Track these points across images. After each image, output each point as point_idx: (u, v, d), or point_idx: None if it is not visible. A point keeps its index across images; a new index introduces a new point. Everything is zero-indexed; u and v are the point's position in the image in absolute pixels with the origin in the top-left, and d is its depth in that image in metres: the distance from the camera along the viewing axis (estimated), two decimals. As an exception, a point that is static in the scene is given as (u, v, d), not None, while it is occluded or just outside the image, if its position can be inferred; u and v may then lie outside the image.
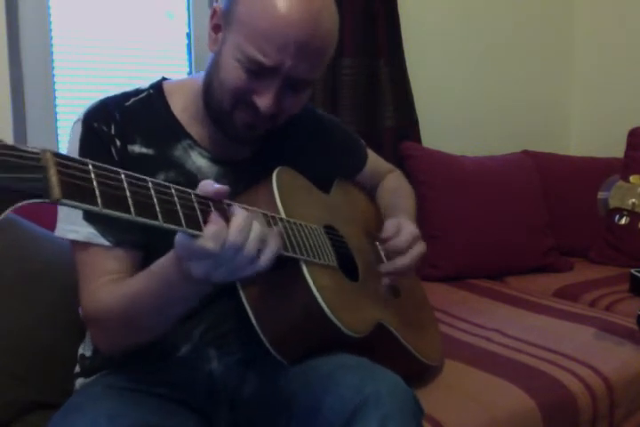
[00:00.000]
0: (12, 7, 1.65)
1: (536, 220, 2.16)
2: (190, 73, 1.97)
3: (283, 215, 0.92)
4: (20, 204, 0.53)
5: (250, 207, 0.80)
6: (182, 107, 1.03)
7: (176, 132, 1.02)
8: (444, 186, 2.06)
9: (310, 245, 0.93)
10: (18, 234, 1.21)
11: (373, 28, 2.05)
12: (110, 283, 0.91)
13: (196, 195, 0.72)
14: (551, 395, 1.24)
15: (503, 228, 2.08)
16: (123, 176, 0.63)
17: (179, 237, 0.73)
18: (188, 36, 1.95)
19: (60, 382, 1.11)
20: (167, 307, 0.85)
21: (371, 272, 1.10)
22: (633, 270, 1.87)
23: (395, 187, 1.34)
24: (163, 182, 0.69)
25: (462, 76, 2.42)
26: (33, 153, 0.55)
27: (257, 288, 0.93)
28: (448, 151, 2.16)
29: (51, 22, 1.72)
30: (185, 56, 1.97)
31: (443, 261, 2.01)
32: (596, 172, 2.08)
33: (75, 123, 0.98)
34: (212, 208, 0.72)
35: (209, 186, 0.73)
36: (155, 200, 0.66)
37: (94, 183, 0.59)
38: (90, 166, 0.60)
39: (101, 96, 1.02)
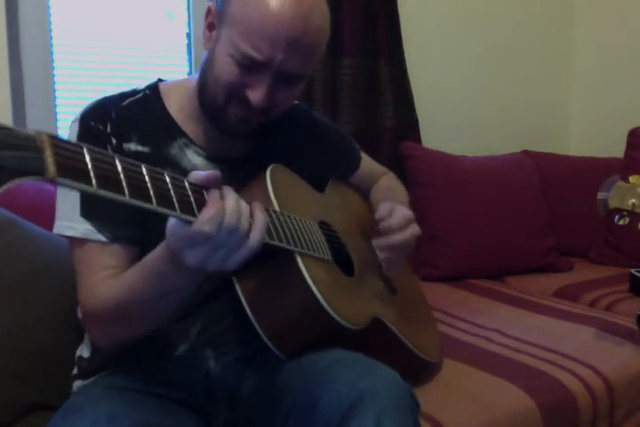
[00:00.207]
0: (12, 7, 1.65)
1: (536, 220, 2.16)
2: (190, 73, 1.97)
3: (276, 208, 0.93)
4: (16, 180, 0.54)
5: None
6: (178, 106, 1.04)
7: (172, 130, 1.03)
8: (443, 186, 2.06)
9: (304, 238, 0.94)
10: (18, 234, 1.21)
11: (373, 28, 2.05)
12: (107, 278, 0.92)
13: (190, 182, 0.73)
14: (551, 395, 1.24)
15: (503, 228, 2.08)
16: (117, 160, 0.65)
17: (171, 227, 0.74)
18: (188, 36, 1.95)
19: (59, 382, 1.10)
20: (161, 298, 0.85)
21: (366, 269, 1.11)
22: (633, 270, 1.87)
23: (388, 186, 1.35)
24: (156, 169, 0.70)
25: (462, 76, 2.42)
26: (29, 135, 0.56)
27: (253, 282, 0.93)
28: (448, 151, 2.16)
29: (51, 22, 1.72)
30: (185, 56, 1.97)
31: (443, 261, 2.01)
32: (596, 172, 2.08)
33: (72, 122, 1.00)
34: (206, 192, 0.73)
35: (199, 174, 0.74)
36: (148, 184, 0.67)
37: (89, 165, 0.61)
38: (84, 149, 0.61)
39: (99, 96, 1.03)
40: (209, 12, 0.99)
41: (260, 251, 0.86)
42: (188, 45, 1.96)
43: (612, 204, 1.23)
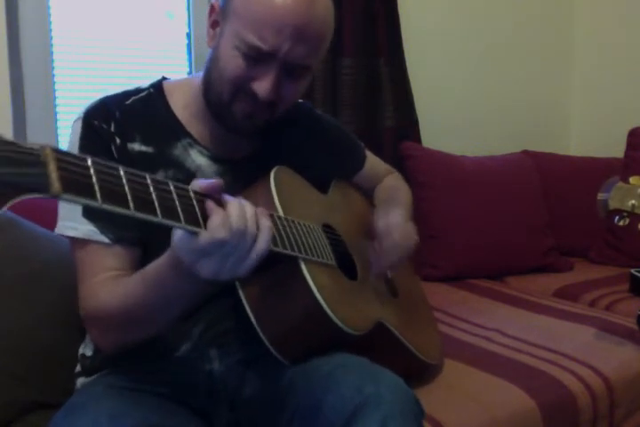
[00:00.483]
0: (12, 7, 1.65)
1: (536, 220, 2.16)
2: (190, 73, 1.97)
3: (280, 213, 0.93)
4: (20, 198, 0.54)
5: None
6: (182, 105, 1.04)
7: (176, 130, 1.03)
8: (444, 186, 2.06)
9: (308, 244, 0.93)
10: (18, 234, 1.21)
11: (373, 28, 2.05)
12: (109, 281, 0.91)
13: (194, 191, 0.72)
14: (551, 395, 1.24)
15: (503, 228, 2.08)
16: (122, 172, 0.64)
17: (179, 241, 0.74)
18: (188, 36, 1.95)
19: (60, 381, 1.11)
20: (166, 308, 0.86)
21: (369, 271, 1.11)
22: (633, 270, 1.87)
23: (391, 185, 1.35)
24: (161, 179, 0.69)
25: (462, 76, 2.42)
26: (33, 149, 0.55)
27: (256, 287, 0.93)
28: (448, 151, 2.16)
29: (51, 22, 1.72)
30: (185, 56, 1.97)
31: (443, 261, 2.01)
32: (596, 172, 2.08)
33: (74, 121, 0.99)
34: (208, 201, 0.73)
35: (202, 182, 0.74)
36: (153, 196, 0.66)
37: (93, 178, 0.60)
38: (89, 162, 0.60)
39: (101, 95, 1.02)
40: (212, 9, 0.98)
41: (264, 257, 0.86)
42: (188, 45, 1.96)
43: (613, 205, 1.23)
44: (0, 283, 1.15)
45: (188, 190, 0.71)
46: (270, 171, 1.00)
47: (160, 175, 0.97)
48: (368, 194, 1.33)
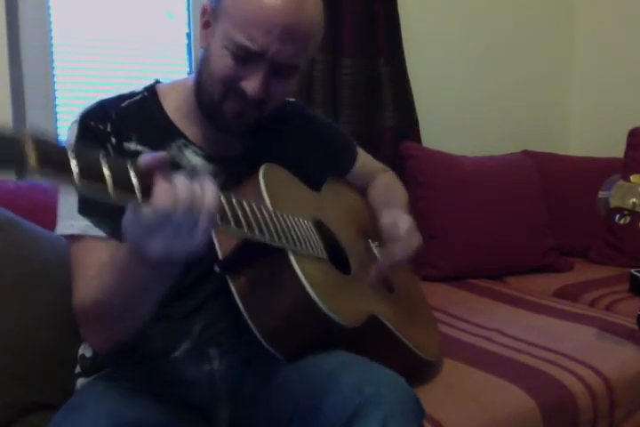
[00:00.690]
0: (12, 7, 1.65)
1: (536, 220, 2.16)
2: (190, 73, 1.97)
3: (269, 207, 0.93)
4: None
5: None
6: (175, 107, 1.06)
7: (170, 131, 1.04)
8: (444, 186, 2.06)
9: (298, 237, 0.94)
10: (18, 234, 1.21)
11: (373, 28, 2.05)
12: (95, 277, 0.90)
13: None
14: (551, 395, 1.24)
15: (503, 228, 2.08)
16: (101, 156, 0.65)
17: (126, 220, 0.71)
18: (188, 36, 1.95)
19: (60, 382, 1.11)
20: (136, 294, 0.84)
21: (363, 267, 1.10)
22: (633, 270, 1.87)
23: (386, 184, 1.35)
24: (140, 164, 0.69)
25: (462, 76, 2.42)
26: (11, 130, 0.57)
27: (246, 279, 0.93)
28: (448, 151, 2.16)
29: (51, 22, 1.72)
30: (185, 56, 1.97)
31: (443, 261, 2.01)
32: (596, 172, 2.08)
33: (72, 123, 1.01)
34: (154, 175, 0.70)
35: (147, 156, 0.71)
36: (133, 178, 0.66)
37: (71, 158, 0.61)
38: (67, 148, 0.62)
39: (97, 99, 1.05)
40: (204, 11, 1.00)
41: (254, 249, 0.86)
42: (188, 45, 1.96)
43: (613, 203, 1.23)
44: (0, 283, 1.15)
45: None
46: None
47: None
48: (361, 192, 1.33)
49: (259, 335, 0.92)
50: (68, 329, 1.14)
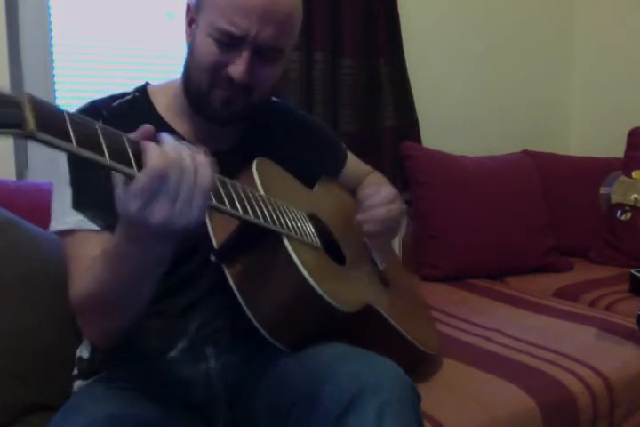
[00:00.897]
0: (12, 7, 1.65)
1: (536, 220, 2.16)
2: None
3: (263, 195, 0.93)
4: None
5: None
6: (166, 105, 1.08)
7: (161, 128, 1.03)
8: (444, 186, 2.06)
9: (292, 223, 0.95)
10: (17, 234, 1.21)
11: (373, 28, 2.05)
12: (89, 270, 0.90)
13: (128, 137, 0.71)
14: (551, 395, 1.24)
15: (503, 228, 2.08)
16: (97, 127, 0.66)
17: (122, 191, 0.71)
18: (188, 36, 1.95)
19: (60, 382, 1.10)
20: (130, 283, 0.84)
21: (358, 263, 1.10)
22: (633, 270, 1.87)
23: (375, 183, 1.35)
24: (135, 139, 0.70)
25: (462, 76, 2.42)
26: (10, 94, 0.58)
27: (243, 270, 0.93)
28: (448, 151, 2.16)
29: (51, 22, 1.72)
30: (185, 56, 1.96)
31: (443, 261, 2.01)
32: (596, 172, 2.07)
33: None
34: (143, 141, 0.72)
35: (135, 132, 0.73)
36: (128, 149, 0.68)
37: (68, 123, 0.62)
38: (64, 112, 0.63)
39: (90, 98, 1.07)
40: (188, 9, 1.04)
41: (249, 237, 0.85)
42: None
43: (615, 199, 1.23)
44: (0, 283, 1.15)
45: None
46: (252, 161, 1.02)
47: None
48: (352, 194, 1.33)
49: (256, 324, 0.92)
50: (67, 329, 1.14)
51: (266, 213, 0.89)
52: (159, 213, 0.70)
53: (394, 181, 1.43)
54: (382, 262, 1.21)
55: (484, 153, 2.26)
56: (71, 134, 0.62)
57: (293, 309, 0.93)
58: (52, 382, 1.14)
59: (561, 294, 1.93)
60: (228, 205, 0.80)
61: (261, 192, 0.95)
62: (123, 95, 1.09)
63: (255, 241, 0.93)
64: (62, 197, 0.97)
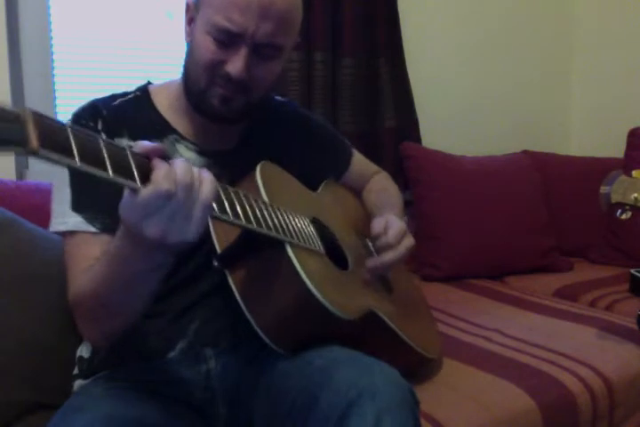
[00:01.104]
0: (12, 7, 1.65)
1: (536, 220, 2.15)
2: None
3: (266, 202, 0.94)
4: None
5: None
6: (167, 104, 1.08)
7: (162, 127, 1.06)
8: (443, 186, 2.06)
9: (295, 231, 0.94)
10: (17, 234, 1.21)
11: (373, 28, 2.05)
12: (86, 270, 0.91)
13: (133, 150, 0.71)
14: (551, 395, 1.24)
15: (503, 228, 2.07)
16: (100, 140, 0.65)
17: (125, 200, 0.71)
18: (188, 36, 1.95)
19: (60, 382, 1.10)
20: (131, 284, 0.84)
21: (361, 267, 1.10)
22: (633, 270, 1.87)
23: (381, 187, 1.35)
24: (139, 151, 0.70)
25: (462, 76, 2.42)
26: (12, 110, 0.58)
27: (244, 272, 0.93)
28: (448, 151, 2.16)
29: (51, 22, 1.72)
30: (185, 56, 1.96)
31: (443, 261, 2.01)
32: (596, 172, 2.07)
33: None
34: (154, 158, 0.72)
35: (144, 143, 0.72)
36: (131, 162, 0.67)
37: (72, 140, 0.61)
38: (67, 126, 0.63)
39: (91, 98, 1.07)
40: (187, 8, 1.03)
41: (252, 243, 0.85)
42: (188, 45, 1.95)
43: (615, 198, 1.23)
44: (0, 283, 1.15)
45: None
46: (257, 163, 1.02)
47: None
48: (357, 194, 1.33)
49: (257, 329, 0.92)
50: (67, 329, 1.14)
51: (269, 221, 0.88)
52: (155, 227, 0.71)
53: (394, 182, 1.42)
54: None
55: (484, 153, 2.26)
56: (74, 151, 0.61)
57: (295, 316, 0.93)
58: (52, 381, 1.14)
59: (561, 294, 1.93)
60: (231, 216, 0.80)
61: (265, 198, 0.95)
62: (124, 94, 1.09)
63: (258, 247, 0.93)
64: (62, 198, 0.98)
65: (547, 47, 2.62)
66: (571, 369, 1.32)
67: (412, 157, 2.10)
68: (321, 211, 1.12)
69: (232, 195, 0.83)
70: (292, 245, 0.92)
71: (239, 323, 0.95)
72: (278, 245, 0.91)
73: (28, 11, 1.69)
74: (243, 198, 0.85)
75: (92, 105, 1.05)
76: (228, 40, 0.96)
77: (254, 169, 1.01)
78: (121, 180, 0.66)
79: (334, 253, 1.06)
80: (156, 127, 1.06)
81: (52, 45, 1.72)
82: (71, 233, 0.97)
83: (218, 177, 0.77)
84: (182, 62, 1.05)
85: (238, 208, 0.82)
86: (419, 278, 2.00)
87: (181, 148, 1.05)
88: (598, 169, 2.17)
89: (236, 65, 0.96)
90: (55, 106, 1.75)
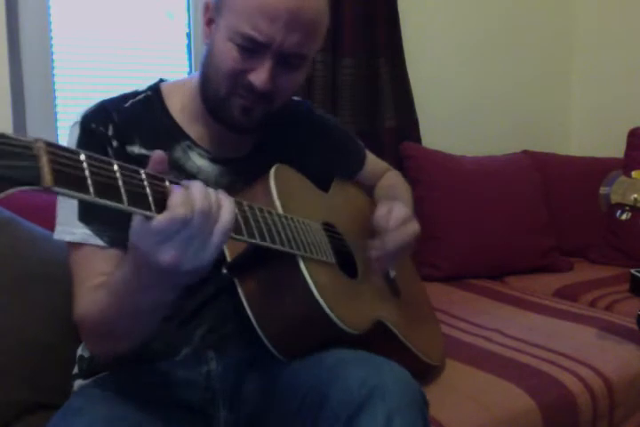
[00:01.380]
0: (12, 7, 1.65)
1: (536, 220, 2.15)
2: (190, 73, 1.97)
3: (280, 211, 0.92)
4: (11, 190, 0.53)
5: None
6: (180, 107, 1.03)
7: (175, 133, 1.02)
8: (444, 186, 2.06)
9: (307, 241, 0.93)
10: (17, 234, 1.21)
11: (373, 28, 2.05)
12: (92, 290, 0.89)
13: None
14: (551, 395, 1.24)
15: (503, 228, 2.07)
16: (115, 167, 0.63)
17: (138, 226, 0.69)
18: (188, 36, 1.95)
19: (60, 382, 1.10)
20: (139, 313, 0.83)
21: (369, 271, 1.10)
22: (633, 270, 1.87)
23: (391, 183, 1.34)
24: (156, 174, 0.68)
25: (462, 76, 2.42)
26: (25, 141, 0.55)
27: (255, 284, 0.93)
28: (448, 151, 2.16)
29: (51, 22, 1.72)
30: (185, 56, 1.97)
31: (443, 261, 2.01)
32: (596, 172, 2.07)
33: (72, 126, 0.99)
34: (168, 182, 0.69)
35: (156, 160, 0.70)
36: (147, 190, 0.65)
37: (86, 172, 0.59)
38: (82, 156, 0.60)
39: (99, 98, 1.02)
40: (207, 8, 0.98)
41: (263, 253, 0.84)
42: (188, 45, 1.95)
43: (614, 198, 1.23)
44: (0, 283, 1.15)
45: (163, 180, 0.68)
46: (270, 169, 0.99)
47: None
48: (368, 192, 1.33)
49: (266, 341, 0.92)
50: (67, 329, 1.14)
51: (283, 235, 0.87)
52: (170, 254, 0.68)
53: (404, 179, 1.42)
54: (393, 270, 1.21)
55: (484, 153, 2.26)
56: (89, 184, 0.59)
57: (302, 327, 0.93)
58: (52, 381, 1.14)
59: (561, 294, 1.93)
60: (246, 236, 0.79)
61: (277, 204, 0.93)
62: (135, 94, 1.03)
63: (269, 257, 0.91)
64: (69, 206, 0.94)
65: (547, 47, 2.62)
66: (571, 369, 1.32)
67: (412, 157, 2.10)
68: (332, 213, 1.11)
69: (247, 211, 0.81)
70: (305, 259, 0.91)
71: (244, 329, 0.94)
72: (290, 257, 0.90)
73: (28, 11, 1.69)
74: (258, 214, 0.83)
75: (102, 107, 0.99)
76: (252, 49, 0.91)
77: (268, 172, 0.99)
78: (136, 210, 0.64)
79: (344, 258, 1.05)
80: (169, 132, 1.02)
81: (52, 45, 1.73)
82: (78, 245, 0.94)
83: (232, 184, 0.76)
84: (201, 64, 0.99)
85: (254, 227, 0.81)
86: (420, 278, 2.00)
87: (194, 155, 1.01)
88: (598, 169, 2.17)
89: (260, 76, 0.92)
90: (55, 106, 1.75)
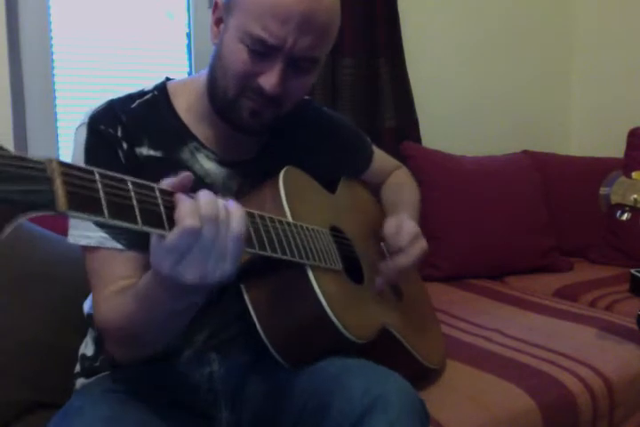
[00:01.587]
0: (12, 7, 1.65)
1: (536, 220, 2.16)
2: (190, 73, 1.96)
3: (289, 217, 0.92)
4: (25, 216, 0.52)
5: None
6: (187, 107, 1.01)
7: (182, 134, 1.00)
8: (444, 186, 2.06)
9: (316, 249, 0.92)
10: (17, 234, 1.21)
11: (373, 28, 2.05)
12: (114, 295, 0.88)
13: (161, 190, 0.67)
14: (551, 395, 1.24)
15: (503, 228, 2.07)
16: (130, 185, 0.62)
17: (154, 247, 0.69)
18: (188, 36, 1.95)
19: (60, 382, 1.10)
20: (163, 323, 0.83)
21: (375, 273, 1.10)
22: (633, 270, 1.87)
23: (398, 183, 1.33)
24: (169, 190, 0.67)
25: (462, 76, 2.42)
26: (38, 163, 0.53)
27: (261, 291, 0.92)
28: (448, 151, 2.16)
29: (51, 22, 1.72)
30: (185, 56, 1.96)
31: (443, 261, 2.01)
32: (596, 172, 2.07)
33: (78, 127, 0.96)
34: (175, 194, 0.69)
35: (170, 180, 0.70)
36: (161, 208, 0.65)
37: (101, 193, 0.58)
38: (96, 176, 0.59)
39: (105, 98, 1.00)
40: (216, 7, 0.96)
41: (270, 260, 0.84)
42: (188, 45, 1.95)
43: (614, 199, 1.23)
44: (0, 283, 1.15)
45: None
46: (278, 170, 0.98)
47: None
48: (375, 189, 1.32)
49: (271, 348, 0.92)
50: (67, 329, 1.15)
51: (293, 245, 0.86)
52: (192, 270, 0.68)
53: (412, 177, 1.42)
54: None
55: (484, 153, 2.26)
56: (104, 206, 0.58)
57: (308, 335, 0.93)
58: (52, 381, 1.14)
59: (561, 294, 1.93)
60: (257, 248, 0.79)
61: (287, 211, 0.92)
62: (141, 94, 1.01)
63: (276, 265, 0.90)
64: None
65: (547, 47, 2.62)
66: (571, 369, 1.32)
67: (411, 156, 2.10)
68: (339, 216, 1.10)
69: (258, 222, 0.81)
70: (313, 268, 0.90)
71: (248, 332, 0.94)
72: (298, 265, 0.89)
73: (28, 11, 1.69)
74: (269, 224, 0.83)
75: (110, 108, 0.97)
76: (263, 51, 0.89)
77: (276, 174, 0.98)
78: (150, 229, 0.64)
79: (351, 262, 1.05)
80: (176, 133, 1.00)
81: (52, 45, 1.73)
82: (95, 249, 0.92)
83: (240, 187, 0.75)
84: (209, 64, 0.97)
85: (264, 238, 0.81)
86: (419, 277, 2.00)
87: (201, 157, 1.00)
88: (598, 169, 2.17)
89: (270, 80, 0.90)
90: (55, 106, 1.75)
